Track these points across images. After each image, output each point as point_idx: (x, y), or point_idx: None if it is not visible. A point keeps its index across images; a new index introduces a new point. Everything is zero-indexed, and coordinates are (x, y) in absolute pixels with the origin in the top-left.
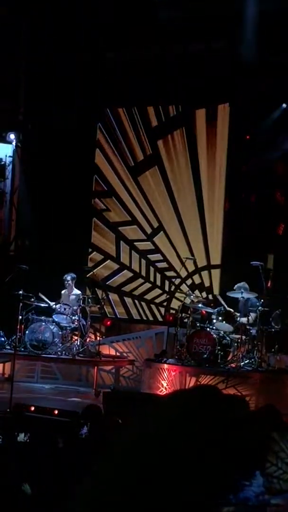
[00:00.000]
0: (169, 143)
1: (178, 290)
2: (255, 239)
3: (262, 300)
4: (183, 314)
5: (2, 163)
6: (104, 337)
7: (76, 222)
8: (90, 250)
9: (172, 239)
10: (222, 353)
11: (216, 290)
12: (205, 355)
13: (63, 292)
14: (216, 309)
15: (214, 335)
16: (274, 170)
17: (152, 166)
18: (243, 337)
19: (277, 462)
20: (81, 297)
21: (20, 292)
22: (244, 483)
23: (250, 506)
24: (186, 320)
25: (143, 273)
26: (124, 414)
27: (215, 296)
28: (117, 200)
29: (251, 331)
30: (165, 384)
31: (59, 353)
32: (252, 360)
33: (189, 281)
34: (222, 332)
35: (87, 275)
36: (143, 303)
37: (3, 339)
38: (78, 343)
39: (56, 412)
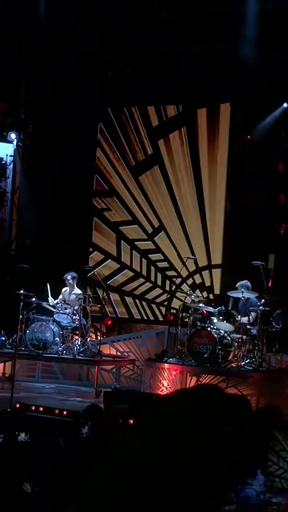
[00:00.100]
0: (170, 143)
1: (179, 290)
2: (256, 238)
3: (263, 300)
4: (184, 314)
5: (3, 162)
6: (104, 336)
7: (77, 222)
8: (91, 249)
9: (173, 239)
10: (222, 352)
11: (217, 290)
12: (206, 355)
13: (63, 290)
14: (217, 309)
15: (215, 335)
16: (275, 169)
17: (153, 166)
18: (244, 336)
19: (278, 461)
20: (81, 296)
21: (21, 291)
22: (245, 482)
23: (251, 505)
24: (186, 320)
25: (144, 272)
26: (125, 414)
27: (222, 297)
28: (118, 200)
29: (251, 330)
30: (165, 384)
31: (59, 352)
32: (253, 359)
33: (190, 281)
34: (222, 331)
35: (88, 275)
36: (144, 303)
37: (3, 338)
38: (79, 343)
39: (57, 411)
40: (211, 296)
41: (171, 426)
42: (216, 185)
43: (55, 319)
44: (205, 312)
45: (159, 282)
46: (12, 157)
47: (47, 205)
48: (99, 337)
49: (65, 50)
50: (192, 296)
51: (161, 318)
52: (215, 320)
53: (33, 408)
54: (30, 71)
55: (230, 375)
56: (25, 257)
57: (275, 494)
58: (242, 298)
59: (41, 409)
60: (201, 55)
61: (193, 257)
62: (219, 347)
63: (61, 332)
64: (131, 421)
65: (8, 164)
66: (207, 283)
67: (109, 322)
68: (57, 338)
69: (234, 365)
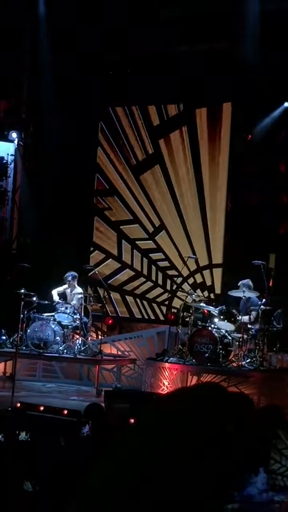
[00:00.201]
0: (170, 142)
1: (180, 289)
2: (257, 238)
3: (263, 299)
4: (185, 313)
5: (4, 161)
6: (105, 336)
7: (77, 221)
8: (91, 248)
9: (173, 238)
10: (223, 352)
11: (217, 289)
12: (207, 354)
13: (64, 288)
14: (217, 308)
15: (216, 334)
16: (276, 169)
17: (153, 165)
18: (245, 336)
19: (281, 459)
20: (82, 295)
21: (22, 290)
22: (248, 480)
23: (254, 503)
24: (187, 319)
25: (145, 272)
26: (126, 413)
27: (223, 297)
28: (118, 199)
29: (252, 330)
30: (166, 383)
31: (60, 351)
32: (254, 359)
33: (190, 280)
34: (223, 331)
35: (89, 274)
36: (144, 302)
37: (4, 337)
38: (80, 342)
39: (57, 411)
40: (212, 295)
41: (171, 426)
42: (217, 185)
43: (56, 318)
44: (206, 311)
45: (160, 282)
46: (13, 156)
47: (48, 204)
48: (100, 336)
49: (66, 50)
50: (193, 296)
51: (162, 318)
52: (216, 319)
53: (34, 407)
54: (31, 71)
55: (231, 374)
56: (26, 257)
57: (278, 492)
58: (243, 297)
59: (42, 408)
60: (202, 54)
61: (194, 256)
62: (220, 346)
63: (62, 331)
64: (132, 421)
65: (9, 163)
66: (208, 283)
67: (110, 321)
68: (58, 337)
69: (235, 365)
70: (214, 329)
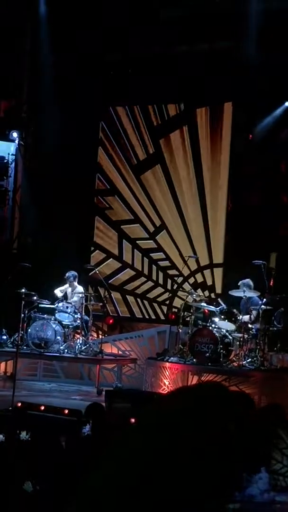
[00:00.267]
0: (171, 142)
1: (181, 289)
2: (258, 237)
3: (264, 299)
4: (186, 313)
5: (5, 161)
6: (106, 335)
7: (78, 221)
8: (92, 248)
9: (174, 238)
10: (224, 351)
11: (218, 289)
12: (208, 354)
13: (65, 287)
14: (218, 308)
15: (216, 334)
16: (277, 168)
17: (154, 165)
18: (245, 335)
19: (282, 459)
20: (83, 295)
21: (23, 290)
22: (249, 480)
23: (255, 503)
24: (188, 319)
25: (146, 271)
26: (127, 413)
27: (217, 299)
28: (119, 199)
29: (253, 329)
30: (167, 383)
31: (61, 351)
32: (254, 359)
33: (191, 280)
34: (224, 330)
35: (89, 274)
36: (145, 302)
37: (5, 337)
38: (81, 342)
39: (58, 410)
40: (212, 295)
41: (172, 425)
42: (218, 184)
43: (56, 318)
44: (206, 311)
45: (160, 281)
46: (14, 156)
47: (49, 204)
48: (100, 336)
49: (66, 50)
50: (194, 295)
51: (162, 317)
52: (216, 319)
53: (35, 407)
54: (32, 71)
55: (232, 374)
56: (26, 256)
57: (279, 492)
58: (244, 297)
59: (43, 408)
60: (202, 54)
61: (195, 256)
62: (221, 346)
63: (62, 331)
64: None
65: (9, 163)
66: (209, 282)
67: (111, 321)
68: (58, 337)
69: (236, 364)
70: (215, 329)
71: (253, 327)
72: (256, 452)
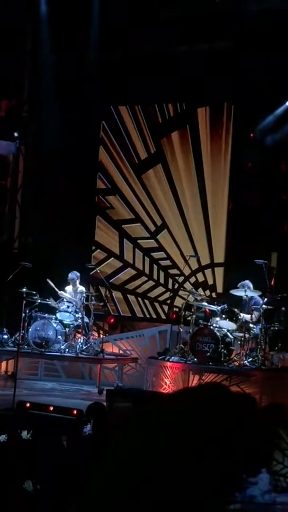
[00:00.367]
0: (172, 141)
1: (182, 288)
2: (259, 237)
3: (265, 298)
4: (187, 312)
5: (6, 160)
6: (107, 334)
7: (79, 220)
8: (93, 248)
9: (175, 237)
10: (225, 351)
11: (219, 288)
12: (209, 353)
13: (66, 288)
14: (219, 307)
15: (217, 333)
16: (278, 168)
17: (155, 164)
18: (246, 335)
19: (283, 460)
20: (84, 294)
21: (24, 289)
22: (250, 481)
23: (256, 504)
24: (189, 318)
25: (147, 271)
26: (128, 412)
27: (217, 298)
28: (120, 198)
29: (254, 329)
30: (168, 382)
31: (62, 350)
32: (255, 358)
33: (192, 279)
34: (225, 330)
35: (91, 273)
36: (146, 301)
37: (6, 336)
38: (81, 341)
39: (59, 410)
40: (213, 294)
41: (173, 425)
42: (219, 184)
43: (57, 317)
44: (207, 310)
45: (161, 281)
46: (15, 155)
47: (50, 203)
48: (101, 335)
49: (67, 50)
50: (195, 295)
51: (163, 317)
52: (217, 318)
53: (36, 406)
54: (32, 70)
55: (233, 373)
56: (27, 255)
57: (281, 493)
58: (245, 296)
59: (44, 407)
60: (202, 54)
61: (196, 255)
62: (222, 345)
63: (63, 330)
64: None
65: (11, 162)
66: (210, 282)
67: (112, 320)
68: (59, 336)
69: (237, 364)
70: (216, 328)
71: (254, 326)
72: (257, 453)
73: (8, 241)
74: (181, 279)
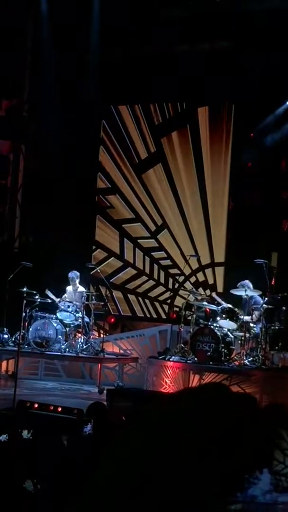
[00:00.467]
0: (172, 141)
1: (182, 288)
2: (259, 236)
3: (266, 298)
4: (187, 312)
5: (6, 160)
6: (107, 334)
7: (79, 219)
8: (94, 247)
9: (176, 237)
10: (225, 350)
11: (220, 288)
12: (209, 353)
13: (67, 288)
14: (220, 307)
15: (218, 333)
16: (279, 167)
17: (156, 164)
18: (247, 334)
19: (284, 460)
20: (85, 294)
21: (24, 289)
22: (251, 481)
23: (257, 504)
24: (189, 318)
25: (147, 270)
26: (128, 412)
27: (211, 296)
28: (120, 198)
29: (254, 328)
30: (168, 382)
31: (62, 350)
32: (256, 357)
33: (193, 279)
34: (225, 329)
35: (91, 273)
36: (146, 301)
37: (6, 336)
38: (82, 340)
39: (59, 409)
40: (214, 294)
41: (174, 425)
42: (219, 183)
43: (58, 317)
44: (208, 310)
45: (162, 280)
46: (15, 155)
47: (50, 203)
48: (102, 335)
49: (67, 49)
50: (195, 294)
51: (164, 316)
52: (218, 318)
53: (36, 406)
54: (33, 70)
55: (233, 373)
56: (27, 255)
57: (282, 493)
58: (246, 296)
59: (44, 407)
60: (202, 54)
61: (196, 255)
62: (222, 345)
63: (64, 330)
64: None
65: (11, 161)
66: (210, 281)
67: (112, 320)
68: (60, 336)
69: (237, 363)
70: (216, 328)
71: (254, 326)
72: (258, 453)
73: (9, 241)
74: (181, 278)
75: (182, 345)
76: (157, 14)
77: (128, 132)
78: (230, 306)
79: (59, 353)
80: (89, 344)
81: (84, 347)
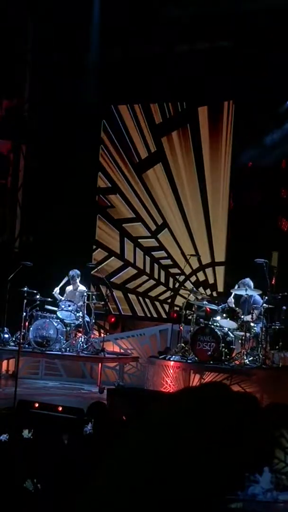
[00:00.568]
0: (173, 140)
1: (182, 287)
2: (260, 236)
3: (266, 297)
4: (187, 311)
5: (6, 160)
6: (108, 333)
7: (80, 219)
8: (94, 247)
9: (176, 236)
10: (226, 350)
11: (220, 287)
12: (209, 352)
13: (67, 288)
14: (220, 306)
15: (218, 332)
16: (279, 167)
17: (156, 163)
18: (247, 334)
19: (285, 459)
20: (85, 293)
21: (25, 289)
22: (252, 479)
23: (258, 502)
24: (190, 317)
25: (147, 270)
26: (129, 411)
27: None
28: (121, 197)
29: (255, 328)
30: (169, 381)
31: (63, 349)
32: (256, 357)
33: (193, 278)
34: (226, 329)
35: (91, 272)
36: (147, 300)
37: (7, 335)
38: (82, 340)
39: (60, 409)
40: (214, 293)
41: (174, 425)
42: (220, 183)
43: (58, 317)
44: (208, 309)
45: (162, 280)
46: (15, 155)
47: (50, 202)
48: (102, 334)
49: (67, 49)
50: (196, 294)
51: (164, 316)
52: (218, 317)
53: (37, 405)
54: (33, 70)
55: (233, 372)
56: (28, 255)
57: (282, 491)
58: (246, 295)
59: (45, 406)
60: (202, 53)
61: (197, 254)
62: (223, 344)
63: (64, 330)
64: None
65: (11, 161)
66: (211, 281)
67: (113, 319)
68: (60, 336)
69: (237, 363)
70: (217, 327)
71: (255, 325)
72: (259, 451)
73: (9, 241)
74: (181, 278)
75: (183, 344)
76: (157, 14)
77: (128, 132)
78: (236, 308)
79: (60, 353)
80: (89, 344)
81: (85, 346)
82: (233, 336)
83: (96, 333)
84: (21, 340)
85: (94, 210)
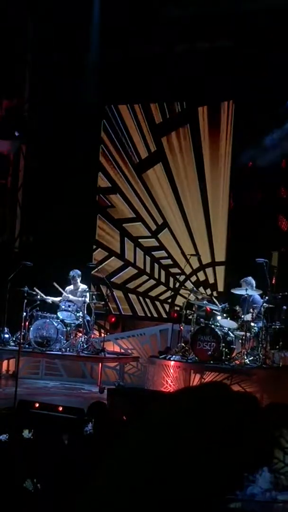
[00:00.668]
0: (173, 140)
1: (183, 287)
2: (260, 236)
3: (266, 297)
4: (188, 311)
5: (6, 159)
6: (108, 333)
7: (80, 219)
8: (94, 247)
9: (176, 236)
10: (226, 350)
11: (220, 287)
12: (210, 352)
13: (67, 288)
14: (220, 306)
15: (218, 332)
16: (279, 166)
17: (156, 163)
18: (247, 334)
19: (284, 459)
20: (85, 293)
21: (25, 288)
22: (251, 479)
23: (257, 502)
24: (190, 317)
25: (148, 270)
26: (129, 411)
27: (211, 297)
28: (121, 197)
29: (255, 328)
30: (169, 381)
31: (63, 349)
32: (256, 357)
33: (193, 278)
34: (226, 328)
35: (92, 272)
36: (147, 300)
37: (7, 335)
38: (83, 340)
39: (60, 409)
40: (214, 293)
41: (174, 425)
42: (220, 182)
43: (58, 317)
44: (208, 309)
45: (162, 279)
46: (16, 154)
47: (50, 202)
48: (102, 334)
49: (67, 49)
50: (196, 293)
51: (164, 316)
52: (218, 317)
53: (37, 405)
54: (33, 70)
55: (234, 372)
56: (28, 255)
57: (281, 491)
58: (246, 295)
59: (45, 406)
60: (202, 53)
61: (197, 254)
62: (223, 344)
63: (64, 329)
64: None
65: (11, 161)
66: (211, 281)
67: (113, 319)
68: (60, 335)
69: (238, 362)
70: (217, 327)
71: (255, 325)
72: (258, 451)
73: (9, 241)
74: (182, 278)
75: (183, 344)
76: (157, 14)
77: (128, 132)
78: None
79: (60, 353)
80: (89, 344)
81: (85, 346)
82: (233, 336)
83: (97, 333)
84: (21, 340)
85: (94, 210)
